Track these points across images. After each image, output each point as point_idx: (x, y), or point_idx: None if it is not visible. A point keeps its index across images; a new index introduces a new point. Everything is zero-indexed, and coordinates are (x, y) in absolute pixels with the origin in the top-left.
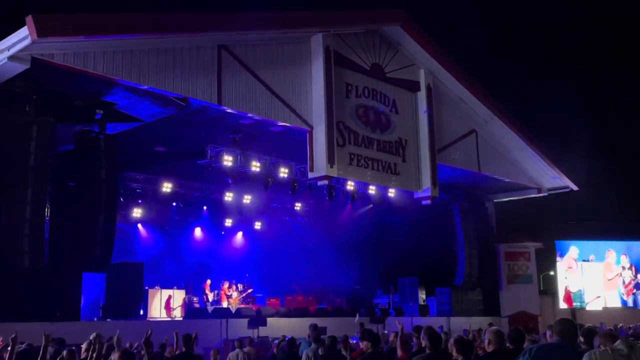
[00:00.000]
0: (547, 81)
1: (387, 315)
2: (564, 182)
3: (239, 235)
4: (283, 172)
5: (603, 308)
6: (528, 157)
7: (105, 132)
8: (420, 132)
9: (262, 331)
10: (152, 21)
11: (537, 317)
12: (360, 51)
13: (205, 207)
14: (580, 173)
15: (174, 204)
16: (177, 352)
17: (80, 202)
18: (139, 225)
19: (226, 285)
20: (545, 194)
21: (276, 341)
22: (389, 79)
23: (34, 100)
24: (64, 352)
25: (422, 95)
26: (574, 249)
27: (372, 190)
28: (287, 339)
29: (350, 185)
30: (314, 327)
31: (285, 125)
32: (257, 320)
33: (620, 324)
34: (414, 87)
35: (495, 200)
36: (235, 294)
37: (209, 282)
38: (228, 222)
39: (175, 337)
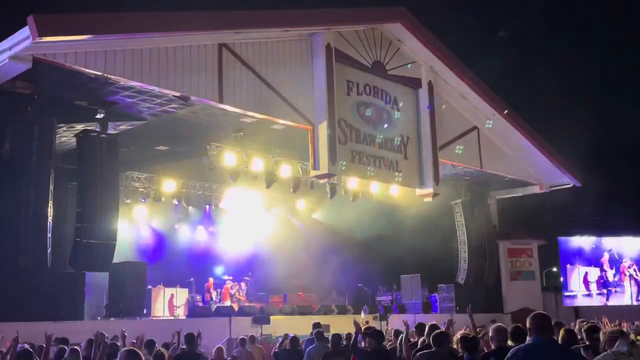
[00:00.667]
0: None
1: (390, 312)
2: (567, 178)
3: (242, 233)
4: (285, 170)
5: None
6: (530, 154)
7: (106, 132)
8: (422, 129)
9: (266, 329)
10: (153, 20)
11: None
12: (362, 48)
13: (207, 206)
14: (583, 169)
15: (176, 202)
16: (179, 351)
17: (82, 202)
18: (141, 224)
19: (229, 283)
20: (548, 190)
21: (279, 339)
22: (390, 76)
23: (35, 101)
24: (67, 352)
25: (423, 92)
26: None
27: (374, 187)
28: (289, 337)
29: (352, 183)
30: (316, 325)
31: (286, 124)
32: (261, 319)
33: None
34: (415, 84)
35: (497, 197)
36: (238, 292)
37: (211, 280)
38: (230, 221)
39: (177, 336)
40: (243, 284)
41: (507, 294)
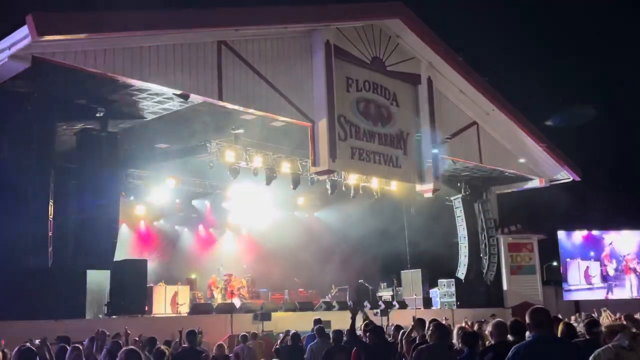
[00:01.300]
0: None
1: (391, 308)
2: (566, 172)
3: (243, 230)
4: (285, 167)
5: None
6: (529, 149)
7: (106, 130)
8: (422, 125)
9: (267, 326)
10: (152, 18)
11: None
12: (361, 45)
13: (208, 203)
14: (583, 163)
15: (177, 200)
16: (180, 349)
17: (83, 200)
18: (142, 222)
19: (232, 280)
20: (547, 184)
21: (281, 335)
22: (390, 72)
23: (35, 99)
24: (69, 350)
25: (422, 88)
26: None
27: (374, 183)
28: (291, 333)
29: (352, 179)
30: (318, 322)
31: (286, 120)
32: (262, 315)
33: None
34: (414, 80)
35: (497, 192)
36: (241, 289)
37: (214, 277)
38: (230, 218)
39: (180, 335)
40: (244, 281)
41: (508, 289)
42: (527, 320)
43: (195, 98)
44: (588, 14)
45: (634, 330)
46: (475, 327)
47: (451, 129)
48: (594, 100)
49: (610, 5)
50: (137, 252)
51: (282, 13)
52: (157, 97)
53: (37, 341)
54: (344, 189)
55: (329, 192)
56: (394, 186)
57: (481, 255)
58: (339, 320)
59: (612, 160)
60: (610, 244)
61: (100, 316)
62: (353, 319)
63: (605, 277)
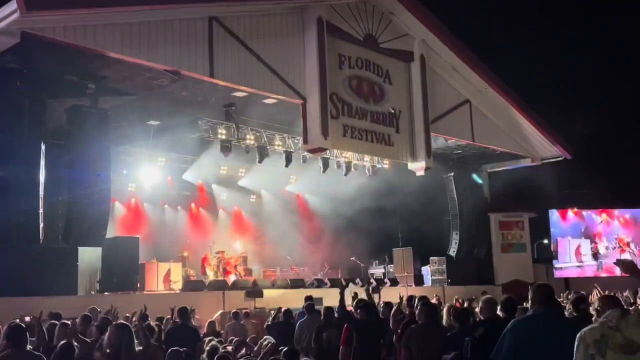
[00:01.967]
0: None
1: (382, 285)
2: (558, 151)
3: (235, 207)
4: (277, 145)
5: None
6: (522, 127)
7: (97, 107)
8: (414, 103)
9: (259, 303)
10: None
11: (531, 285)
12: (353, 22)
13: (199, 181)
14: (574, 142)
15: (169, 177)
16: (171, 325)
17: (74, 177)
18: (133, 199)
19: (224, 257)
20: (539, 163)
21: (272, 312)
22: (383, 50)
23: (25, 75)
24: (57, 327)
25: (415, 65)
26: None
27: (366, 161)
28: (282, 310)
29: (344, 157)
30: (308, 299)
31: (278, 98)
32: (254, 292)
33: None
34: (407, 57)
35: (489, 170)
36: (237, 266)
37: (207, 254)
38: (222, 195)
39: (171, 312)
40: (238, 258)
41: (498, 266)
42: (530, 295)
43: (186, 74)
44: None
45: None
46: (466, 305)
47: (444, 106)
48: (588, 77)
49: None
50: (128, 229)
51: None
52: (147, 74)
53: (27, 318)
54: (336, 166)
55: (321, 169)
56: (386, 164)
57: (472, 233)
58: (331, 298)
59: (605, 138)
60: (601, 222)
61: (93, 293)
62: (342, 294)
63: (596, 255)
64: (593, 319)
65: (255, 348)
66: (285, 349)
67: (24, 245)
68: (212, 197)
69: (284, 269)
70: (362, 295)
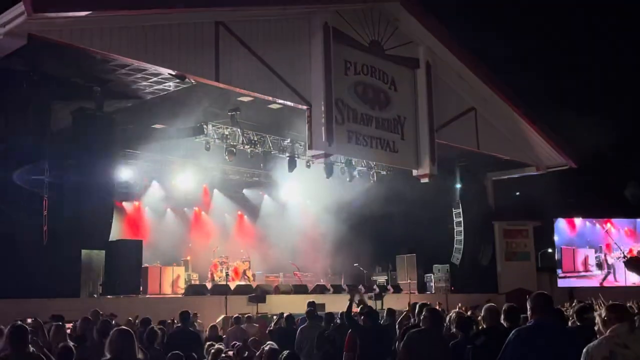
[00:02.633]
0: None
1: (385, 292)
2: (563, 159)
3: (238, 212)
4: (282, 150)
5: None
6: (527, 135)
7: (102, 110)
8: (419, 110)
9: (262, 308)
10: None
11: (529, 294)
12: (359, 28)
13: (204, 185)
14: (579, 151)
15: (173, 181)
16: (173, 329)
17: (78, 180)
18: (137, 203)
19: (239, 262)
20: (544, 171)
21: (275, 317)
22: (388, 56)
23: (31, 77)
24: (52, 328)
25: (421, 72)
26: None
27: (370, 168)
28: (285, 315)
29: (348, 164)
30: (311, 304)
31: (283, 103)
32: (257, 298)
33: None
34: (413, 64)
35: (493, 178)
36: (246, 272)
37: (217, 260)
38: (226, 199)
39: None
40: (247, 263)
41: (502, 275)
42: (530, 304)
43: (192, 79)
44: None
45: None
46: (469, 313)
47: (449, 114)
48: (594, 90)
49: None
50: (132, 232)
51: None
52: (153, 78)
53: (29, 320)
54: (340, 172)
55: (325, 175)
56: (391, 171)
57: (476, 241)
58: (334, 303)
59: (610, 148)
60: (606, 231)
61: (95, 296)
62: (350, 301)
63: (600, 265)
64: (596, 328)
65: (257, 353)
66: (286, 353)
67: (27, 247)
68: (216, 201)
69: (287, 274)
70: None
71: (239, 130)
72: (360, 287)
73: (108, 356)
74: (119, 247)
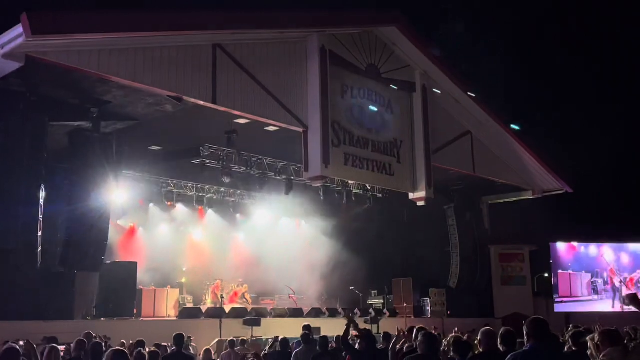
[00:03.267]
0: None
1: (381, 316)
2: (559, 184)
3: (234, 235)
4: (278, 172)
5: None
6: (523, 159)
7: (99, 130)
8: (416, 133)
9: (256, 331)
10: (147, 20)
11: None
12: (356, 51)
13: (199, 207)
14: (575, 175)
15: (169, 203)
16: (168, 352)
17: (74, 201)
18: (133, 224)
19: (238, 285)
20: (540, 195)
21: (270, 341)
22: (385, 80)
23: (28, 98)
24: (46, 350)
25: (417, 96)
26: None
27: (366, 190)
28: (280, 339)
29: (345, 186)
30: (306, 328)
31: (280, 126)
32: (251, 321)
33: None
34: (409, 88)
35: (489, 202)
36: (245, 294)
37: (219, 282)
38: (221, 222)
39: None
40: (245, 286)
41: (498, 299)
42: (526, 329)
43: (188, 101)
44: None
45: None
46: (465, 337)
47: (445, 137)
48: (589, 113)
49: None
50: (127, 254)
51: (278, 18)
52: (150, 99)
53: (21, 342)
54: (336, 195)
55: (322, 198)
56: (387, 194)
57: (472, 265)
58: (329, 327)
59: (606, 172)
60: (602, 256)
61: (89, 318)
62: (348, 326)
63: (596, 290)
64: (588, 352)
65: None
66: None
67: (21, 269)
68: (211, 222)
69: (283, 297)
70: (362, 325)
71: (235, 152)
72: (357, 310)
73: None
74: (114, 269)
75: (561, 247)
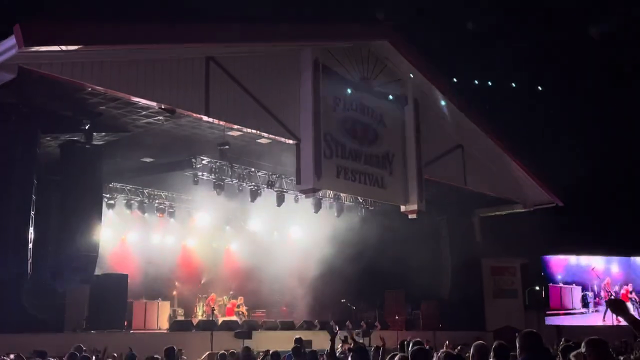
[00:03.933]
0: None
1: (373, 328)
2: (550, 197)
3: (226, 247)
4: (270, 184)
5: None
6: (514, 173)
7: (91, 142)
8: (407, 146)
9: (247, 344)
10: (140, 32)
11: (518, 332)
12: (349, 64)
13: (191, 219)
14: (567, 188)
15: (160, 215)
16: None
17: (64, 213)
18: (124, 236)
19: (235, 298)
20: (531, 209)
21: (261, 354)
22: (377, 93)
23: (19, 110)
24: None
25: (409, 109)
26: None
27: (358, 203)
28: (270, 352)
29: (337, 198)
30: (298, 341)
31: (272, 138)
32: (243, 333)
33: None
34: (401, 101)
35: (481, 215)
36: (241, 307)
37: (214, 295)
38: (213, 235)
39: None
40: (242, 299)
41: (490, 312)
42: (518, 342)
43: (181, 113)
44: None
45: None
46: (457, 351)
47: (437, 150)
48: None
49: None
50: (118, 266)
51: (271, 31)
52: (143, 111)
53: (11, 355)
54: (328, 207)
55: (314, 210)
56: (379, 206)
57: (464, 277)
58: (321, 340)
59: (597, 186)
60: (592, 269)
61: (78, 331)
62: (332, 341)
63: (587, 303)
64: None
65: None
66: None
67: (11, 281)
68: (203, 235)
69: (274, 309)
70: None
71: (227, 164)
72: (348, 323)
73: None
74: (104, 281)
75: (552, 260)
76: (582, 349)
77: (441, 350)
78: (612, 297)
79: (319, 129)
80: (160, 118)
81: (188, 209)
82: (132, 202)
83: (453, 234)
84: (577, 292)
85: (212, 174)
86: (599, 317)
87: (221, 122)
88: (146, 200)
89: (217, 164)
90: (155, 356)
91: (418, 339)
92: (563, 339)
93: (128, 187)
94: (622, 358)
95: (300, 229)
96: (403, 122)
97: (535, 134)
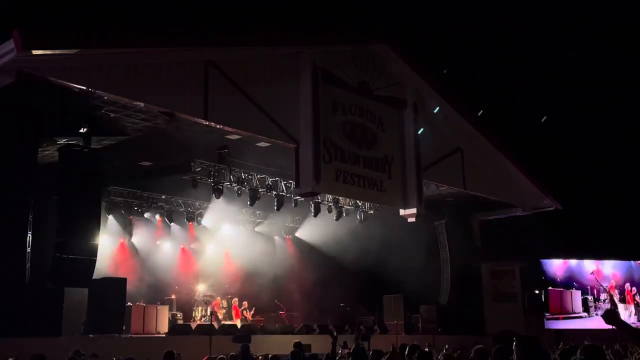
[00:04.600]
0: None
1: (372, 333)
2: (549, 201)
3: (224, 251)
4: (269, 188)
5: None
6: (513, 176)
7: (90, 146)
8: (406, 150)
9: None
10: (139, 36)
11: (517, 336)
12: (348, 68)
13: (190, 223)
14: (566, 192)
15: (159, 218)
16: None
17: (62, 216)
18: (123, 240)
19: (237, 302)
20: (530, 212)
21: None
22: (376, 96)
23: (18, 114)
24: None
25: (408, 112)
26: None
27: (357, 206)
28: (269, 357)
29: (336, 202)
30: (297, 345)
31: (271, 142)
32: (242, 337)
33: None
34: (400, 104)
35: (480, 219)
36: (244, 311)
37: (219, 299)
38: (212, 239)
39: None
40: (245, 303)
41: (489, 316)
42: (518, 347)
43: (180, 116)
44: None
45: None
46: (457, 355)
47: (436, 154)
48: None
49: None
50: (117, 269)
51: (270, 35)
52: (142, 115)
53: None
54: (327, 211)
55: (312, 214)
56: (378, 210)
57: (463, 281)
58: (320, 344)
59: (596, 189)
60: (592, 272)
61: (76, 334)
62: (333, 344)
63: (587, 306)
64: None
65: None
66: None
67: (9, 285)
68: (201, 239)
69: (273, 313)
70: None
71: (226, 168)
72: (347, 327)
73: None
74: (103, 285)
75: (552, 263)
76: (579, 356)
77: (441, 354)
78: (608, 307)
79: (318, 133)
80: (159, 122)
81: (187, 212)
82: (131, 205)
83: (452, 238)
84: (577, 295)
85: (211, 178)
86: (600, 321)
87: (220, 126)
88: (145, 204)
89: (216, 167)
90: None
91: (415, 343)
92: (562, 343)
93: (126, 191)
94: None
95: (299, 233)
96: (402, 125)
97: (535, 137)
